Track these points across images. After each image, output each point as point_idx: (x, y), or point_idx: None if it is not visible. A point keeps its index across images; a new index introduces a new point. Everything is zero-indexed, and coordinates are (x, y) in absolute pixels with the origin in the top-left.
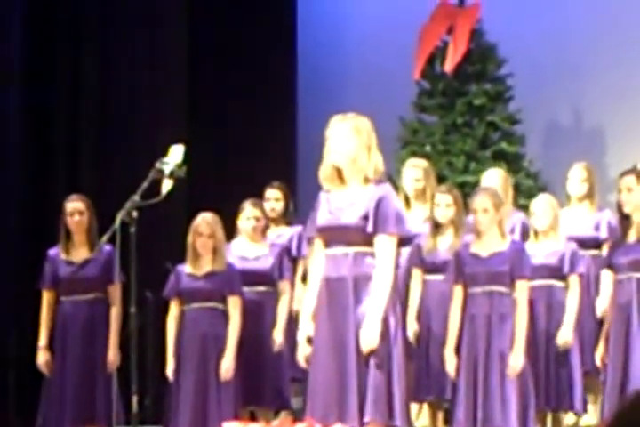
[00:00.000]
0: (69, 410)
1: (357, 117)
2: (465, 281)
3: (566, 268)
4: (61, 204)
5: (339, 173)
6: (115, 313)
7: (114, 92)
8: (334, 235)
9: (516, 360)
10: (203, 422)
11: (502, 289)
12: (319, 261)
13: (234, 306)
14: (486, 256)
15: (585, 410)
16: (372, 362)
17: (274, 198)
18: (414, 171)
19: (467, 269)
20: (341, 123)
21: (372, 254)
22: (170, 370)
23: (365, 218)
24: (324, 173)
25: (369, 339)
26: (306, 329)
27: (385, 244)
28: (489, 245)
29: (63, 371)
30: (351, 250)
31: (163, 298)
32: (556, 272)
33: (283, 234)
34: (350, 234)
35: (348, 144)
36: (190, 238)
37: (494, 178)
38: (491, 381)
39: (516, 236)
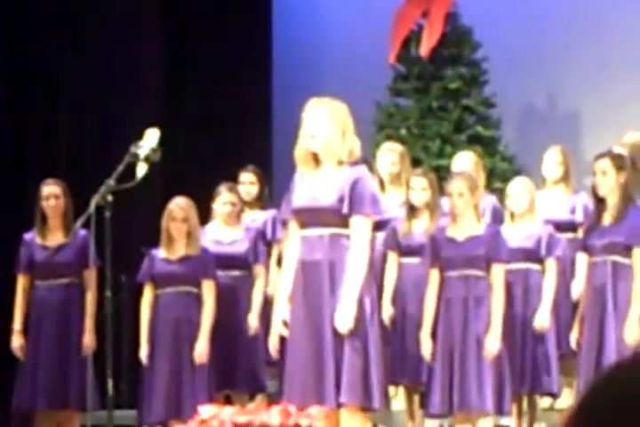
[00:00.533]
0: (44, 394)
1: (334, 101)
2: (441, 265)
3: (543, 251)
4: (36, 189)
5: (313, 156)
6: (90, 298)
7: (89, 76)
8: (309, 216)
9: (493, 343)
10: (177, 406)
11: (478, 273)
12: (294, 243)
13: (208, 290)
14: (462, 240)
15: (561, 392)
16: (349, 344)
17: (248, 182)
18: (390, 155)
19: (442, 252)
20: (317, 106)
21: (348, 236)
22: (144, 354)
23: (341, 199)
24: (299, 155)
25: (344, 321)
26: (281, 312)
27: (360, 225)
28: (465, 228)
29: (37, 355)
30: (326, 232)
31: (138, 282)
32: (533, 255)
33: (257, 218)
34: (325, 215)
35: (323, 128)
36: (164, 223)
37: (465, 161)
38: (467, 364)
39: (487, 219)
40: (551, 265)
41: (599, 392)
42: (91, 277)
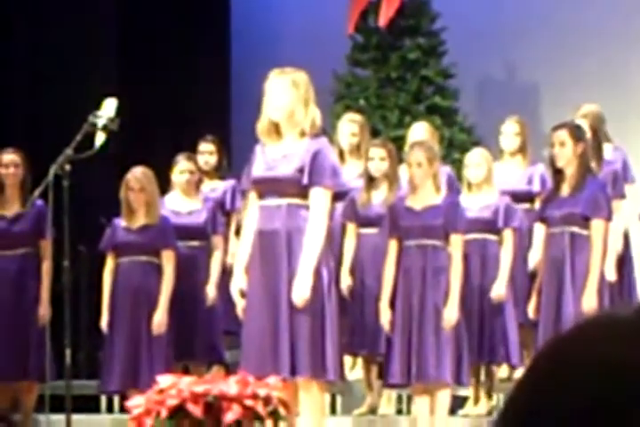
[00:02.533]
0: (1, 365)
1: (295, 72)
2: (399, 235)
3: (500, 222)
4: None
5: (276, 128)
6: (46, 268)
7: (44, 45)
8: (269, 187)
9: (451, 314)
10: (135, 376)
11: (436, 243)
12: (253, 213)
13: (167, 260)
14: (420, 210)
15: (521, 363)
16: (305, 315)
17: (208, 152)
18: (350, 125)
19: (401, 222)
20: (279, 77)
21: (306, 207)
22: (104, 322)
23: (301, 170)
24: (262, 126)
25: (301, 291)
26: (238, 282)
27: (319, 196)
28: (423, 198)
29: None
30: (284, 202)
31: (96, 252)
32: (490, 226)
33: (216, 188)
34: (285, 186)
35: (285, 98)
36: (122, 193)
37: (421, 131)
38: (425, 334)
39: (442, 189)
40: (508, 236)
41: (552, 351)
42: (47, 247)
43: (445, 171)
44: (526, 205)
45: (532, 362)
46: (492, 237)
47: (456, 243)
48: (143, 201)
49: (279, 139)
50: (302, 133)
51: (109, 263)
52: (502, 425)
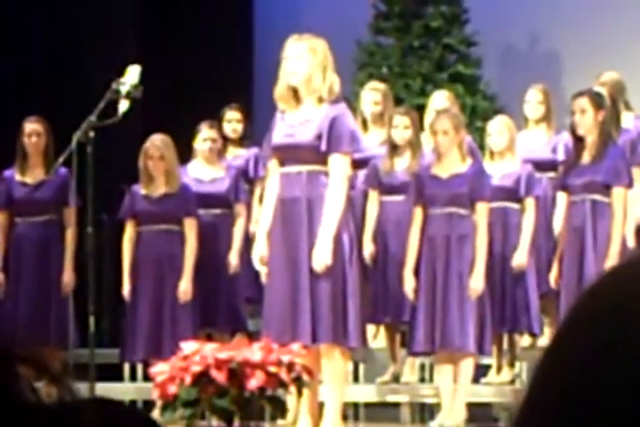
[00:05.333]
0: (24, 332)
1: (313, 38)
2: (424, 202)
3: (522, 190)
4: (14, 127)
5: (294, 93)
6: (70, 235)
7: (65, 12)
8: (288, 154)
9: (477, 282)
10: (158, 344)
11: (461, 211)
12: (274, 181)
13: (189, 228)
14: (446, 178)
15: (542, 331)
16: (326, 282)
17: (235, 120)
18: (373, 94)
19: (426, 190)
20: (297, 43)
21: (326, 173)
22: (126, 291)
23: (319, 137)
24: (280, 92)
25: (321, 257)
26: (260, 249)
27: (338, 163)
28: (449, 166)
29: (18, 292)
30: (304, 168)
31: (119, 220)
32: (512, 194)
33: (240, 156)
34: (304, 153)
35: (303, 64)
36: (141, 161)
37: (441, 100)
38: (449, 302)
39: None
40: (530, 204)
41: (588, 301)
42: (70, 214)
43: (466, 139)
44: (551, 174)
45: (576, 300)
46: (514, 205)
47: (482, 211)
48: (163, 169)
49: (297, 105)
50: (320, 100)
51: (129, 231)
52: (543, 361)
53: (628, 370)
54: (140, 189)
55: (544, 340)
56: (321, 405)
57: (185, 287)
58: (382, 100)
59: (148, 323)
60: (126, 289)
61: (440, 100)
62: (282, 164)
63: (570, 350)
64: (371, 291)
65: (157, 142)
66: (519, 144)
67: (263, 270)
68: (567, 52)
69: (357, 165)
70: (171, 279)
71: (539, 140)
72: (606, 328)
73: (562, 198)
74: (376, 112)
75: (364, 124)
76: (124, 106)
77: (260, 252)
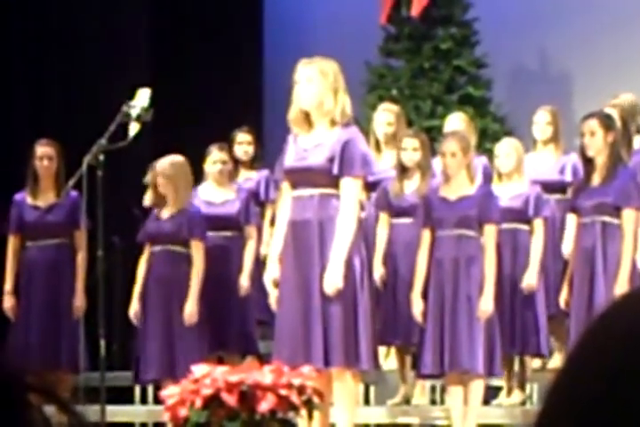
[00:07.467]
0: (35, 356)
1: (323, 60)
2: (433, 225)
3: (531, 211)
4: (25, 149)
5: (307, 117)
6: (80, 258)
7: (78, 35)
8: (300, 177)
9: (486, 304)
10: (170, 366)
11: (470, 233)
12: (286, 204)
13: (196, 250)
14: (454, 200)
15: (550, 353)
16: (337, 305)
17: (246, 142)
18: (386, 115)
19: (435, 212)
20: (307, 66)
21: (338, 197)
22: (131, 311)
23: (331, 160)
24: (293, 117)
25: (332, 280)
26: (272, 272)
27: (350, 186)
28: (457, 188)
29: (29, 316)
30: (316, 192)
31: (130, 243)
32: (521, 215)
33: (251, 178)
34: (316, 176)
35: (313, 87)
36: (150, 182)
37: (457, 122)
38: (458, 324)
39: (478, 180)
40: (539, 225)
41: (601, 327)
42: (81, 237)
43: (481, 162)
44: (558, 195)
45: (588, 326)
46: (523, 226)
47: (490, 233)
48: (171, 190)
49: (310, 129)
50: (333, 122)
51: (145, 253)
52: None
53: None
54: (154, 211)
55: (554, 362)
56: None
57: (190, 310)
58: (395, 121)
59: (159, 345)
60: (132, 309)
61: (455, 122)
62: (294, 187)
63: (582, 377)
64: (381, 313)
65: (166, 164)
66: (527, 166)
67: (274, 293)
68: (578, 74)
69: (369, 187)
70: (178, 301)
71: (546, 161)
72: (618, 355)
73: (572, 220)
74: (389, 133)
75: (377, 145)
76: (134, 129)
77: (272, 275)
